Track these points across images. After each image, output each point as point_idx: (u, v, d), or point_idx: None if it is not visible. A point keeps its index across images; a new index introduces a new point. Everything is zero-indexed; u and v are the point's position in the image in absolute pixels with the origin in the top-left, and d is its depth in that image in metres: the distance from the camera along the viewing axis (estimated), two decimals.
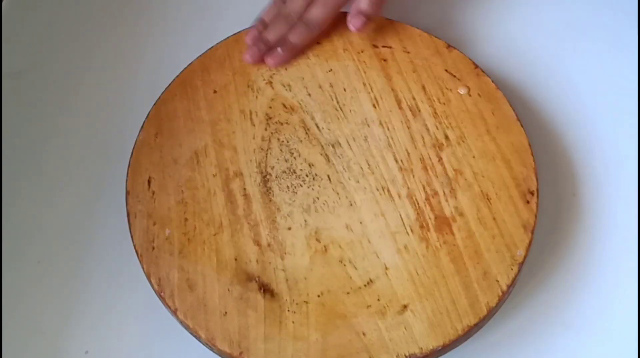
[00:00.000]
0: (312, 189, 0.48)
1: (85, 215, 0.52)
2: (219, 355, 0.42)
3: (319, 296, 0.43)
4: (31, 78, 0.58)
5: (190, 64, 0.53)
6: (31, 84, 0.58)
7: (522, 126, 0.49)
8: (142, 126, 0.51)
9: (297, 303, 0.43)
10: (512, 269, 0.43)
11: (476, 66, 0.52)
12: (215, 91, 0.52)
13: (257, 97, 0.52)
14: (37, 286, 0.49)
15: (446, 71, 0.52)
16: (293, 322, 0.42)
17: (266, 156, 0.49)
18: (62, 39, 0.61)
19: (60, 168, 0.54)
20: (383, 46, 0.54)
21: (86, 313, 0.48)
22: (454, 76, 0.51)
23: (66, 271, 0.49)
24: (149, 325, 0.47)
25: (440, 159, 0.48)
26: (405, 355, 0.40)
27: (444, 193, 0.46)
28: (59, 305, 0.48)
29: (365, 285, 0.43)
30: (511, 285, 0.43)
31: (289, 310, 0.42)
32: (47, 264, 0.50)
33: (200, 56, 0.54)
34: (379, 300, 0.42)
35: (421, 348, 0.40)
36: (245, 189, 0.48)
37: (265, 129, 0.50)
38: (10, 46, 0.59)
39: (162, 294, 0.43)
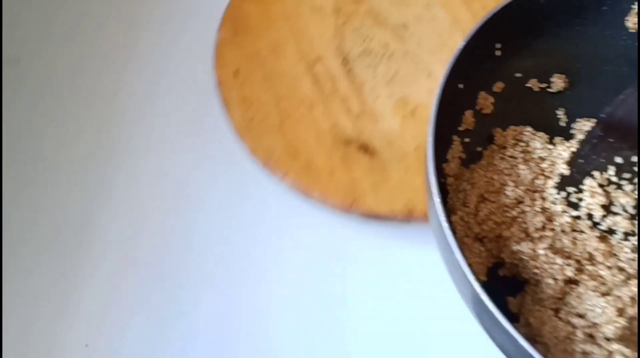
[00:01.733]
0: (391, 65, 0.50)
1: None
2: (332, 209, 0.45)
3: (415, 149, 0.46)
4: (31, 64, 0.57)
5: None
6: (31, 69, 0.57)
7: None
8: (218, 28, 0.53)
9: (397, 156, 0.45)
10: None
11: None
12: None
13: None
14: (37, 277, 0.48)
15: None
16: (397, 172, 0.45)
17: (342, 42, 0.52)
18: (62, 25, 0.60)
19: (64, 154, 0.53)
20: None
21: (87, 305, 0.47)
22: None
23: (68, 262, 0.49)
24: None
25: None
26: None
27: None
28: (59, 297, 0.47)
29: None
30: None
31: (390, 163, 0.45)
32: (47, 255, 0.49)
33: None
34: None
35: None
36: (328, 70, 0.50)
37: (337, 20, 0.53)
38: (9, 32, 0.59)
39: (270, 163, 0.46)
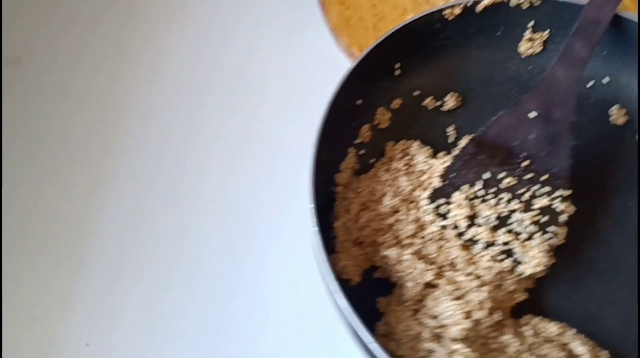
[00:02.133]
0: None
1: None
2: None
3: None
4: (31, 64, 0.58)
5: None
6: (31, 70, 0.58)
7: None
8: None
9: None
10: None
11: None
12: None
13: None
14: (37, 277, 0.48)
15: None
16: None
17: None
18: (62, 25, 0.60)
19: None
20: None
21: (87, 304, 0.47)
22: None
23: (68, 261, 0.49)
24: None
25: None
26: None
27: None
28: (59, 297, 0.47)
29: None
30: None
31: None
32: (47, 254, 0.49)
33: None
34: None
35: None
36: None
37: None
38: (9, 31, 0.59)
39: None
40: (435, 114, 0.46)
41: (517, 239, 0.38)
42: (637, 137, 0.44)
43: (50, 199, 0.51)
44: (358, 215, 0.40)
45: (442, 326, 0.36)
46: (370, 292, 0.39)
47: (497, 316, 0.36)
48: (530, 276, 0.38)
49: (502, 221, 0.39)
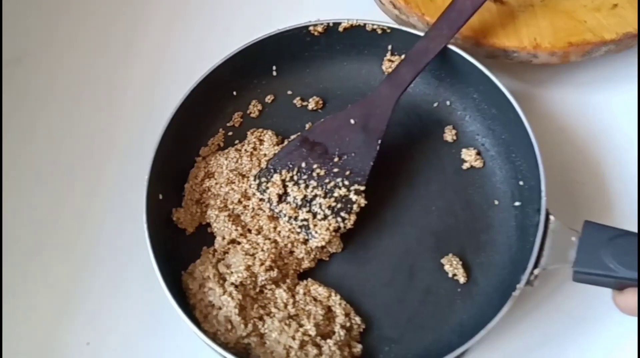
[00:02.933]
0: None
1: None
2: (463, 46, 0.50)
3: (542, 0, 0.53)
4: (31, 64, 0.59)
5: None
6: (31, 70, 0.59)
7: None
8: None
9: (524, 6, 0.53)
10: None
11: None
12: None
13: None
14: (37, 277, 0.49)
15: None
16: (522, 16, 0.52)
17: None
18: (63, 25, 0.62)
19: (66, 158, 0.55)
20: None
21: (88, 304, 0.48)
22: None
23: (68, 261, 0.50)
24: None
25: None
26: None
27: None
28: (60, 296, 0.48)
29: None
30: None
31: (517, 11, 0.52)
32: (47, 254, 0.50)
33: None
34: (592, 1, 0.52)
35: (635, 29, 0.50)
36: None
37: None
38: (10, 31, 0.60)
39: (411, 4, 0.52)
40: (301, 112, 0.55)
41: (314, 218, 0.47)
42: (460, 154, 0.51)
43: (51, 199, 0.52)
44: (202, 181, 0.50)
45: (230, 273, 0.45)
46: (200, 241, 0.49)
47: (273, 273, 0.45)
48: (321, 249, 0.47)
49: (305, 202, 0.47)
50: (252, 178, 0.49)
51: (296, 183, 0.48)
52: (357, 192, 0.47)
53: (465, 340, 0.41)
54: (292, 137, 0.51)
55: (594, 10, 0.53)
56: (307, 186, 0.48)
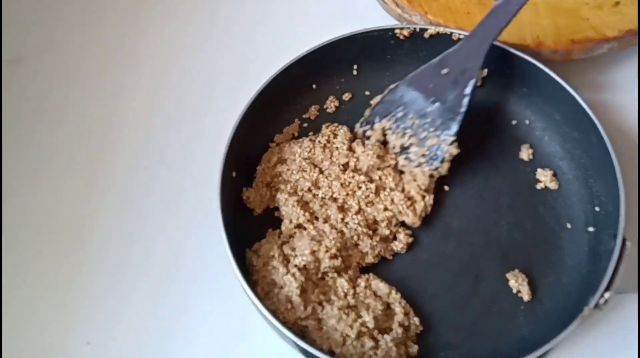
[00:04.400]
0: None
1: None
2: None
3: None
4: (31, 64, 0.59)
5: None
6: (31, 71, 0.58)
7: None
8: None
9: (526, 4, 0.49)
10: None
11: None
12: None
13: None
14: (37, 276, 0.49)
15: None
16: (525, 14, 0.50)
17: None
18: (63, 25, 0.62)
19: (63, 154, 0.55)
20: None
21: (88, 303, 0.48)
22: None
23: (68, 261, 0.49)
24: None
25: None
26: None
27: None
28: (60, 296, 0.48)
29: None
30: None
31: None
32: (47, 254, 0.50)
33: None
34: None
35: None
36: None
37: None
38: (10, 31, 0.59)
39: (414, 2, 0.54)
40: None
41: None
42: (535, 173, 0.51)
43: (50, 199, 0.52)
44: (275, 166, 0.51)
45: (294, 256, 0.45)
46: (266, 223, 0.49)
47: (337, 262, 0.45)
48: (386, 245, 0.47)
49: (403, 150, 0.49)
50: (357, 125, 0.52)
51: (394, 132, 0.50)
52: (449, 142, 0.48)
53: (525, 355, 0.40)
54: (391, 86, 0.52)
55: (596, 8, 0.53)
56: (404, 135, 0.49)
